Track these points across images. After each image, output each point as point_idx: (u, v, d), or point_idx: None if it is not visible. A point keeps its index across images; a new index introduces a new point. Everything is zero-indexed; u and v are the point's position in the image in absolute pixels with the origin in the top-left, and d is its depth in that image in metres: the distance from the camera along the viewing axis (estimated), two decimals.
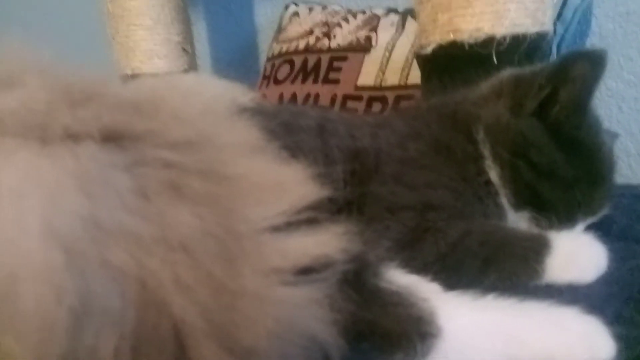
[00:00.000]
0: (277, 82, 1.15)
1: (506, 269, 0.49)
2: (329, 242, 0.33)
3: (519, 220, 0.54)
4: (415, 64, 0.94)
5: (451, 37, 0.68)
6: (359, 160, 0.55)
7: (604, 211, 0.55)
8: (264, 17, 1.48)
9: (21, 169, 0.26)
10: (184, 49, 1.16)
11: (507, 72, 0.58)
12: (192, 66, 1.21)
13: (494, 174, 0.54)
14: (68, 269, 0.23)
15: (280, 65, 1.17)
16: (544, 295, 0.48)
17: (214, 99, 0.79)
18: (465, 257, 0.49)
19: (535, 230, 0.53)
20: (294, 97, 1.09)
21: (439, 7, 0.68)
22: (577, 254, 0.50)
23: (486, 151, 0.54)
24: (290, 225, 0.33)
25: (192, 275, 0.25)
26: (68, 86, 0.31)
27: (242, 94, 1.00)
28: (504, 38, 0.65)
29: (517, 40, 0.66)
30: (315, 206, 0.35)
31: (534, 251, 0.50)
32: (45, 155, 0.27)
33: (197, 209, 0.29)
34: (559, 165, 0.52)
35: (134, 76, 1.13)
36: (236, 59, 1.56)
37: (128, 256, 0.24)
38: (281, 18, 1.31)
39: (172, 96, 0.38)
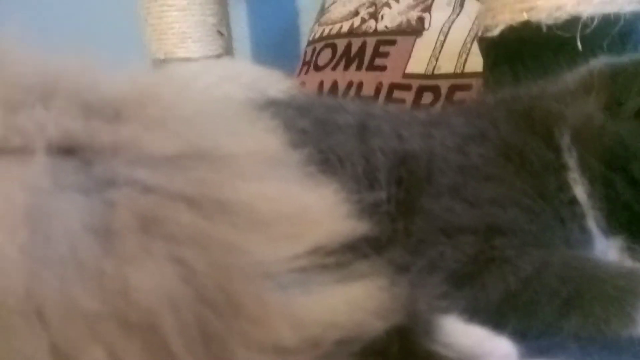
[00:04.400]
0: (317, 68, 1.06)
1: (593, 313, 0.39)
2: (364, 300, 0.23)
3: (610, 250, 0.43)
4: (474, 49, 0.83)
5: (525, 16, 0.56)
6: (407, 166, 0.46)
7: None
8: None
9: None
10: (219, 32, 1.08)
11: (600, 62, 0.46)
12: (227, 50, 1.13)
13: (581, 191, 0.42)
14: None
15: (321, 50, 1.07)
16: None
17: (240, 87, 0.71)
18: (541, 297, 0.39)
19: (630, 264, 0.42)
20: (334, 85, 0.99)
21: None
22: None
23: (572, 161, 0.43)
24: (310, 274, 0.23)
25: None
26: (16, 81, 0.23)
27: (277, 82, 0.92)
28: (592, 18, 0.53)
29: (607, 21, 0.53)
30: (349, 246, 0.26)
31: (630, 292, 0.39)
32: None
33: (180, 253, 0.21)
34: None
35: (166, 61, 1.06)
36: (277, 43, 1.47)
37: (62, 343, 0.16)
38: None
39: (167, 91, 0.30)
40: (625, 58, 0.45)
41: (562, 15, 0.54)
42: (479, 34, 0.66)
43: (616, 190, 0.41)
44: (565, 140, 0.43)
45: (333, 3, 1.14)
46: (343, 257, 0.25)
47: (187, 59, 1.05)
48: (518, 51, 0.58)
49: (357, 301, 0.23)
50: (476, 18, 0.83)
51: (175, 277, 0.20)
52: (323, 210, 0.26)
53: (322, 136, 0.46)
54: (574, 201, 0.43)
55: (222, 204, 0.23)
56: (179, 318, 0.18)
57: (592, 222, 0.43)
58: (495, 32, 0.59)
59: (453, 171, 0.45)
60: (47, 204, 0.20)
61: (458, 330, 0.31)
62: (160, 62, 1.08)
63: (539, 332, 0.39)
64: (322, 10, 1.18)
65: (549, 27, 0.55)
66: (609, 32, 0.53)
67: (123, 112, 0.25)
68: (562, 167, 0.43)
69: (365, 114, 0.50)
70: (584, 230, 0.43)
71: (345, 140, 0.46)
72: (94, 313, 0.17)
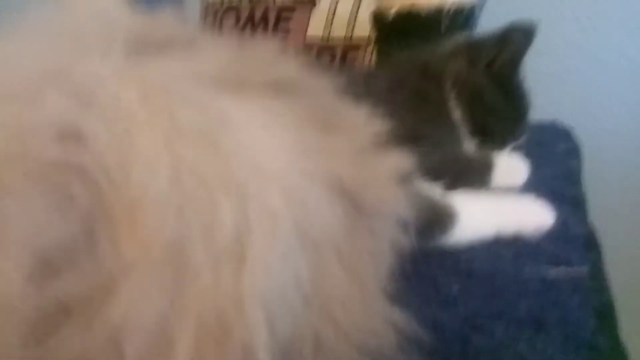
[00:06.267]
0: (223, 30, 1.23)
1: (469, 180, 0.71)
2: (404, 159, 0.50)
3: (471, 145, 0.76)
4: (359, 19, 1.11)
5: (409, 5, 0.85)
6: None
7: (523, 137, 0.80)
8: None
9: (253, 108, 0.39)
10: None
11: (461, 37, 0.78)
12: None
13: (457, 113, 0.74)
14: None
15: (224, 13, 1.25)
16: None
17: None
18: (443, 172, 0.70)
19: (481, 152, 0.76)
20: None
21: None
22: (511, 166, 0.74)
23: (452, 96, 0.74)
24: (380, 147, 0.49)
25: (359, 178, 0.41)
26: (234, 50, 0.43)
27: None
28: (450, 8, 0.85)
29: (458, 10, 0.86)
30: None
31: (485, 167, 0.73)
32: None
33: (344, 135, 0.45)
34: (500, 104, 0.74)
35: None
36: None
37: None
38: None
39: None
40: (475, 35, 0.77)
41: (433, 6, 0.84)
42: (372, 13, 0.94)
43: (475, 112, 0.74)
44: (447, 85, 0.74)
45: None
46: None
47: None
48: (404, 28, 0.88)
49: (402, 158, 0.49)
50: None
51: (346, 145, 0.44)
52: (368, 115, 0.52)
53: None
54: (454, 119, 0.75)
55: (339, 112, 0.47)
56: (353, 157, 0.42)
57: (463, 131, 0.75)
58: (390, 15, 0.87)
59: (388, 105, 0.73)
60: None
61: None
62: None
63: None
64: None
65: (425, 13, 0.85)
66: (459, 17, 0.85)
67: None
68: (447, 100, 0.74)
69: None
70: (458, 136, 0.75)
71: None
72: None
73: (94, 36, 0.39)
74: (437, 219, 0.56)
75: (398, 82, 0.75)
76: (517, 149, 0.80)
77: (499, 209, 0.60)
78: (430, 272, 0.53)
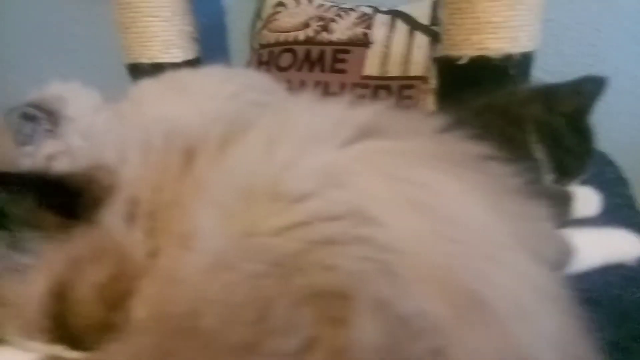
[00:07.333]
0: (280, 69, 1.31)
1: (555, 212, 0.81)
2: (544, 207, 0.60)
3: (548, 178, 0.87)
4: (411, 58, 1.21)
5: (480, 52, 0.96)
6: None
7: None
8: None
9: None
10: (195, 38, 1.25)
11: (535, 84, 0.89)
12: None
13: (539, 153, 0.84)
14: None
15: (280, 54, 1.33)
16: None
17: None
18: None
19: (558, 186, 0.87)
20: (303, 84, 1.27)
21: (472, 30, 0.95)
22: (587, 198, 0.85)
23: (533, 137, 0.84)
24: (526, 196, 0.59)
25: None
26: None
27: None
28: (517, 54, 0.95)
29: (523, 56, 0.96)
30: None
31: (567, 199, 0.83)
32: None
33: None
34: (574, 144, 0.85)
35: (153, 65, 1.19)
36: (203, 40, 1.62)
37: None
38: (260, 4, 1.44)
39: None
40: (551, 84, 0.88)
41: (502, 52, 0.95)
42: (437, 58, 1.04)
43: (554, 152, 0.84)
44: (529, 127, 0.85)
45: (276, 12, 1.38)
46: None
47: (172, 64, 1.20)
48: (473, 73, 0.98)
49: None
50: (410, 36, 1.21)
51: None
52: None
53: None
54: (536, 157, 0.85)
55: None
56: None
57: (544, 168, 0.85)
58: (463, 60, 0.97)
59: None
60: None
61: None
62: (140, 67, 1.21)
63: None
64: (262, 17, 1.42)
65: (494, 59, 0.95)
66: (525, 62, 0.96)
67: None
68: (529, 141, 0.84)
69: None
70: (540, 173, 0.85)
71: None
72: None
73: (331, 132, 0.47)
74: (564, 255, 0.66)
75: (484, 127, 0.85)
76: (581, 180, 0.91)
77: (603, 242, 0.70)
78: None
